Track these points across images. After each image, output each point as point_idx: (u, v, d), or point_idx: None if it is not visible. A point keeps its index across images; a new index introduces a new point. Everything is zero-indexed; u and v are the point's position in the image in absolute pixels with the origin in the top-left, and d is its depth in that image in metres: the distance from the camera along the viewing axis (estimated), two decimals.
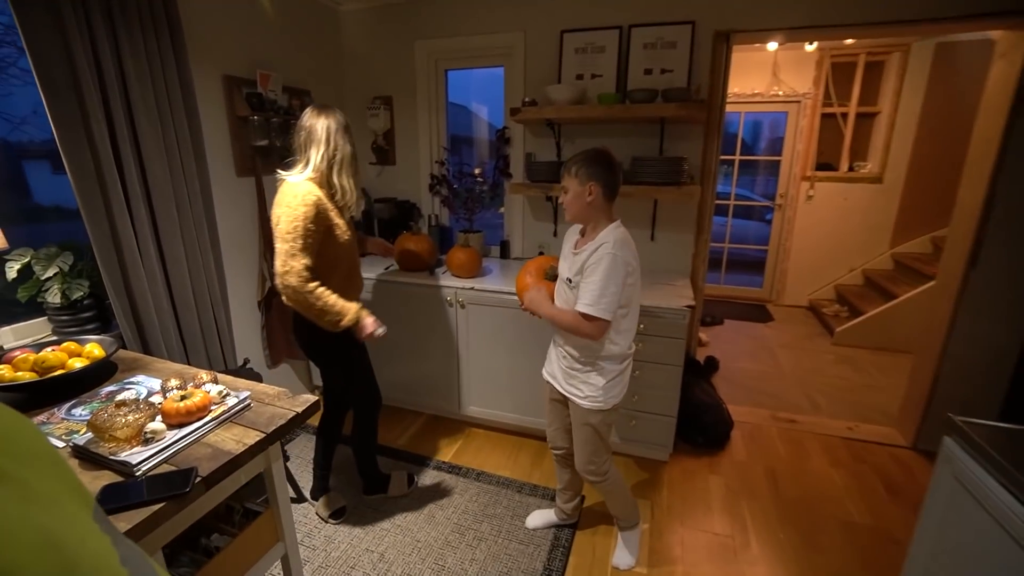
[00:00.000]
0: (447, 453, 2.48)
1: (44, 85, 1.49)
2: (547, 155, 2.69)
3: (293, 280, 1.54)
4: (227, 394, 1.28)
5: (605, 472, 1.71)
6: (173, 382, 1.28)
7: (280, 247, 1.55)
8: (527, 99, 2.45)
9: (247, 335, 2.47)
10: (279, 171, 1.66)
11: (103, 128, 1.61)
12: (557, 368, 1.70)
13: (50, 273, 1.61)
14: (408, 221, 2.90)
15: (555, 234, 2.82)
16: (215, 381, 1.32)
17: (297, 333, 1.81)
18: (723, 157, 3.94)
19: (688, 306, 2.10)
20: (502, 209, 2.96)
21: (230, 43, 2.20)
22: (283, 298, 1.61)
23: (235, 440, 1.15)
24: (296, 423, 1.27)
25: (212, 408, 1.22)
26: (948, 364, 2.36)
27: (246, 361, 2.32)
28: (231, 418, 1.23)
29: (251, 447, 1.14)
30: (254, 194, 2.41)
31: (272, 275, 2.24)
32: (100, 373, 1.45)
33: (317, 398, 1.36)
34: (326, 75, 2.84)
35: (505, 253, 2.93)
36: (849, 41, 3.59)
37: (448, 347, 2.54)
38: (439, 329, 2.53)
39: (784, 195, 4.64)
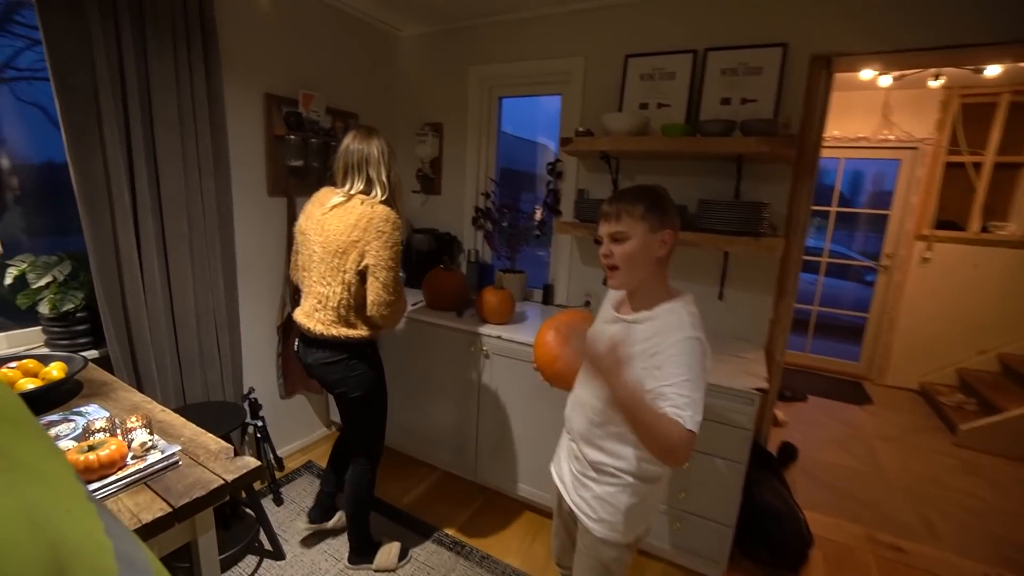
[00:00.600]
0: (455, 522, 2.14)
1: (59, 84, 1.43)
2: (602, 192, 2.38)
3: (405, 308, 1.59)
4: (152, 446, 1.06)
5: None
6: (99, 423, 1.08)
7: (387, 275, 1.52)
8: (581, 129, 2.18)
9: (261, 362, 2.33)
10: (335, 190, 1.60)
11: (116, 134, 1.54)
12: (566, 470, 1.25)
13: (43, 282, 1.54)
14: (447, 255, 2.69)
15: (604, 282, 2.46)
16: (148, 427, 1.11)
17: (329, 369, 1.63)
18: (815, 207, 3.41)
19: (759, 389, 1.65)
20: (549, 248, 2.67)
21: (273, 62, 2.15)
22: (383, 324, 1.59)
23: (132, 512, 0.92)
24: (218, 496, 1.01)
25: (128, 463, 1.01)
26: None
27: (250, 390, 2.16)
28: (146, 479, 1.01)
29: (148, 524, 0.90)
30: (284, 214, 2.31)
31: (293, 301, 2.11)
32: (55, 396, 1.31)
33: (259, 463, 1.11)
34: (376, 99, 2.77)
35: (548, 299, 2.62)
36: (991, 73, 2.95)
37: (468, 400, 2.24)
38: (461, 379, 2.24)
39: (892, 255, 3.94)
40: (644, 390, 0.97)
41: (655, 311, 1.07)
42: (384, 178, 1.59)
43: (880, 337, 4.04)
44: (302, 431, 2.64)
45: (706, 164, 2.13)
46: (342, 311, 1.56)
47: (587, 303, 2.53)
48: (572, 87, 2.38)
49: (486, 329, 2.14)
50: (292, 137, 2.20)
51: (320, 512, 1.98)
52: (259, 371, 2.32)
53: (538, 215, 2.62)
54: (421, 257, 2.74)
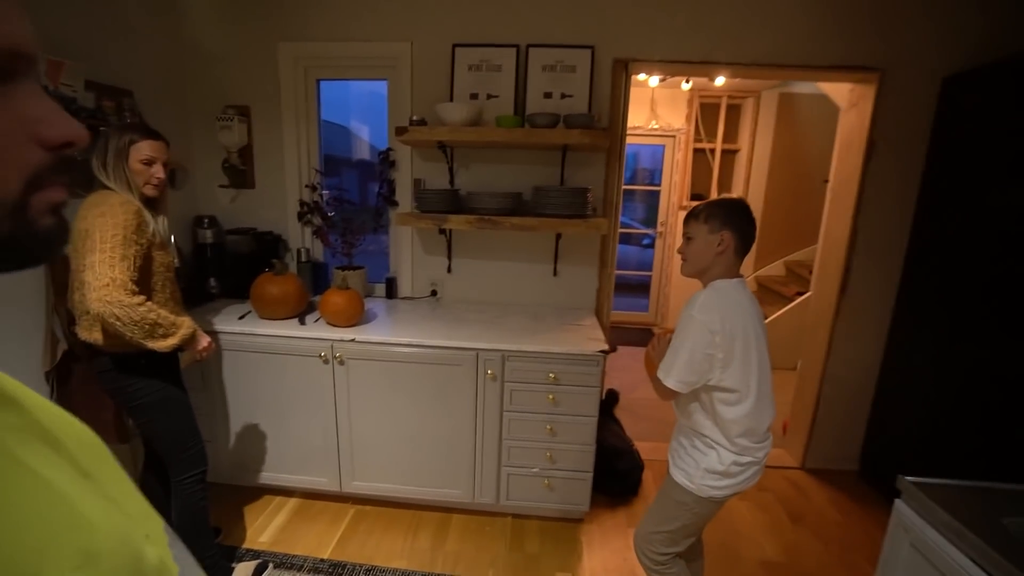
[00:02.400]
0: (326, 545, 1.99)
1: None
2: (439, 182, 2.39)
3: (119, 293, 1.33)
4: None
5: (662, 563, 1.42)
6: None
7: (94, 258, 1.33)
8: (415, 118, 2.14)
9: None
10: None
11: None
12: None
13: None
14: (271, 257, 2.38)
15: (449, 270, 2.51)
16: None
17: (104, 379, 1.52)
18: None
19: (602, 351, 1.93)
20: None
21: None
22: (102, 319, 1.36)
23: None
24: None
25: None
26: (828, 385, 2.50)
27: None
28: None
29: None
30: None
31: (70, 332, 1.63)
32: None
33: None
34: (158, 73, 2.24)
35: (392, 292, 2.54)
36: (719, 83, 3.88)
37: (324, 412, 2.06)
38: (312, 390, 2.05)
39: (664, 223, 4.88)
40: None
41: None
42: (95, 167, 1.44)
43: (661, 290, 5.01)
44: None
45: (534, 153, 2.32)
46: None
47: (433, 292, 2.55)
48: (400, 73, 2.30)
49: (336, 333, 1.99)
50: None
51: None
52: None
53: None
54: (241, 261, 2.37)
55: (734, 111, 4.60)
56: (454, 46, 2.21)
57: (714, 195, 4.75)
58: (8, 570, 0.26)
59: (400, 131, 2.11)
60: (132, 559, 0.32)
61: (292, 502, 2.24)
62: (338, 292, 2.05)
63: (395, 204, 2.49)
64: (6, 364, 1.68)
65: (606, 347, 1.96)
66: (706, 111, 4.56)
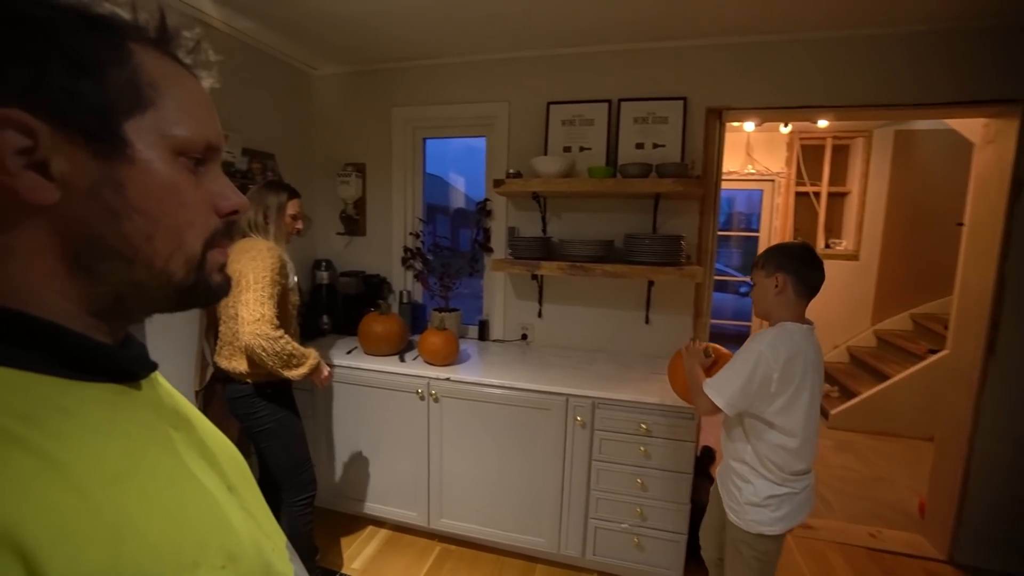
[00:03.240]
0: None
1: None
2: (532, 230, 2.49)
3: (267, 328, 1.54)
4: None
5: None
6: None
7: (248, 296, 1.55)
8: (511, 171, 2.28)
9: None
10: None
11: None
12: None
13: None
14: (377, 298, 2.60)
15: (540, 315, 2.56)
16: None
17: (236, 404, 1.71)
18: None
19: None
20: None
21: None
22: (251, 350, 1.57)
23: None
24: None
25: None
26: (977, 463, 2.13)
27: None
28: None
29: None
30: None
31: (212, 356, 1.89)
32: None
33: None
34: (293, 139, 2.63)
35: (484, 334, 2.64)
36: (822, 124, 3.70)
37: (417, 447, 2.16)
38: (408, 425, 2.16)
39: None
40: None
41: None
42: (247, 221, 1.69)
43: None
44: None
45: (626, 202, 2.34)
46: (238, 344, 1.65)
47: (524, 336, 2.60)
48: (497, 130, 2.49)
49: (432, 372, 2.10)
50: None
51: None
52: None
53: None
54: (349, 301, 2.61)
55: (841, 152, 4.32)
56: (548, 104, 2.35)
57: (820, 241, 4.42)
58: (175, 557, 0.31)
59: (498, 183, 2.25)
60: (264, 566, 0.38)
61: (383, 532, 2.32)
62: (436, 332, 2.18)
63: (490, 251, 2.62)
64: (169, 377, 1.98)
65: None
66: (809, 152, 4.32)
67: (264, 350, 1.54)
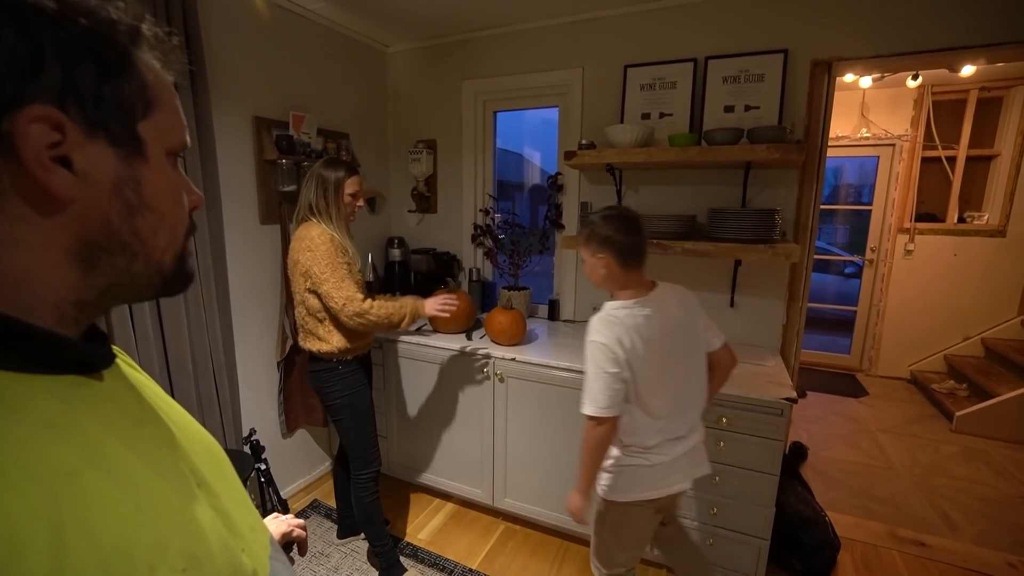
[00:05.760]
0: (476, 555, 2.05)
1: None
2: (606, 205, 2.34)
3: (356, 306, 1.60)
4: None
5: None
6: None
7: (325, 288, 1.60)
8: (584, 141, 2.14)
9: (259, 400, 2.19)
10: None
11: None
12: None
13: None
14: (447, 276, 2.61)
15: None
16: None
17: (312, 378, 1.80)
18: None
19: (788, 399, 1.63)
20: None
21: (262, 83, 2.04)
22: (359, 329, 1.67)
23: None
24: None
25: None
26: None
27: (251, 432, 2.03)
28: None
29: None
30: (278, 242, 2.19)
31: (295, 330, 2.00)
32: None
33: None
34: (367, 118, 2.68)
35: (554, 314, 2.56)
36: (966, 73, 3.07)
37: (483, 425, 2.16)
38: (474, 403, 2.16)
39: (876, 249, 4.03)
40: None
41: None
42: (307, 202, 1.67)
43: (870, 329, 4.13)
44: (304, 469, 2.50)
45: (711, 172, 2.12)
46: (309, 327, 1.71)
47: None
48: (570, 99, 2.34)
49: (499, 351, 2.07)
50: (284, 161, 2.09)
51: (345, 530, 2.12)
52: (258, 411, 2.18)
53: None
54: (420, 278, 2.65)
55: (989, 107, 3.60)
56: (626, 67, 2.17)
57: (953, 215, 3.76)
58: (127, 560, 0.29)
59: (568, 155, 2.13)
60: (231, 568, 0.37)
61: (449, 506, 2.37)
62: (503, 312, 2.14)
63: (561, 227, 2.52)
64: (253, 347, 2.14)
65: (792, 394, 1.66)
66: (942, 109, 3.66)
67: (365, 326, 1.63)
